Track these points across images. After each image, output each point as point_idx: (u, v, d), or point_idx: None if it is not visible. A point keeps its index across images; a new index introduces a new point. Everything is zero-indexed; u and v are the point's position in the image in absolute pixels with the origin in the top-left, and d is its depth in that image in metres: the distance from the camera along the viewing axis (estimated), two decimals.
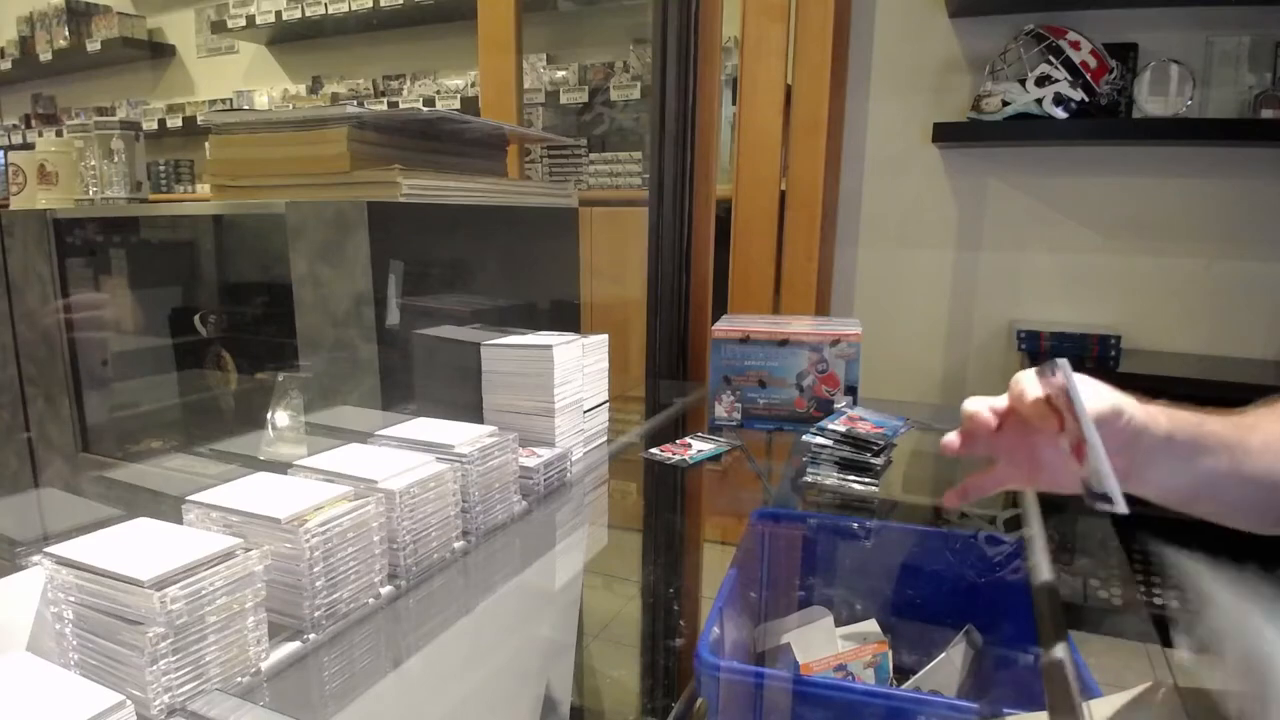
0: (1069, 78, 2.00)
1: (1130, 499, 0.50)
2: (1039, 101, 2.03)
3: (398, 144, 1.16)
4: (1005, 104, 2.07)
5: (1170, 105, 2.05)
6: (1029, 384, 0.56)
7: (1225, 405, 0.59)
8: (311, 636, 0.68)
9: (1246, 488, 0.55)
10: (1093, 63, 2.01)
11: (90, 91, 4.30)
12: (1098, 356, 2.14)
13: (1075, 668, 0.49)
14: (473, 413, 1.09)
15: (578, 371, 1.11)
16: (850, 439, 1.13)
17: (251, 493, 0.72)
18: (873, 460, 1.12)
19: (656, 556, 1.18)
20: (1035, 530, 0.62)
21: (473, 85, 3.19)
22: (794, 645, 1.09)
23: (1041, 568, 0.58)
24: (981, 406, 0.59)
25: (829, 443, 1.14)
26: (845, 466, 1.12)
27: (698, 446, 1.26)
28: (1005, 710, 0.63)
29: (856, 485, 1.10)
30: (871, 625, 0.99)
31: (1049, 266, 2.32)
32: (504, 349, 1.08)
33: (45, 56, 4.06)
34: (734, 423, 1.38)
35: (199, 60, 4.04)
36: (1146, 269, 2.23)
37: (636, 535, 1.19)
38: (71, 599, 0.59)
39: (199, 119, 3.45)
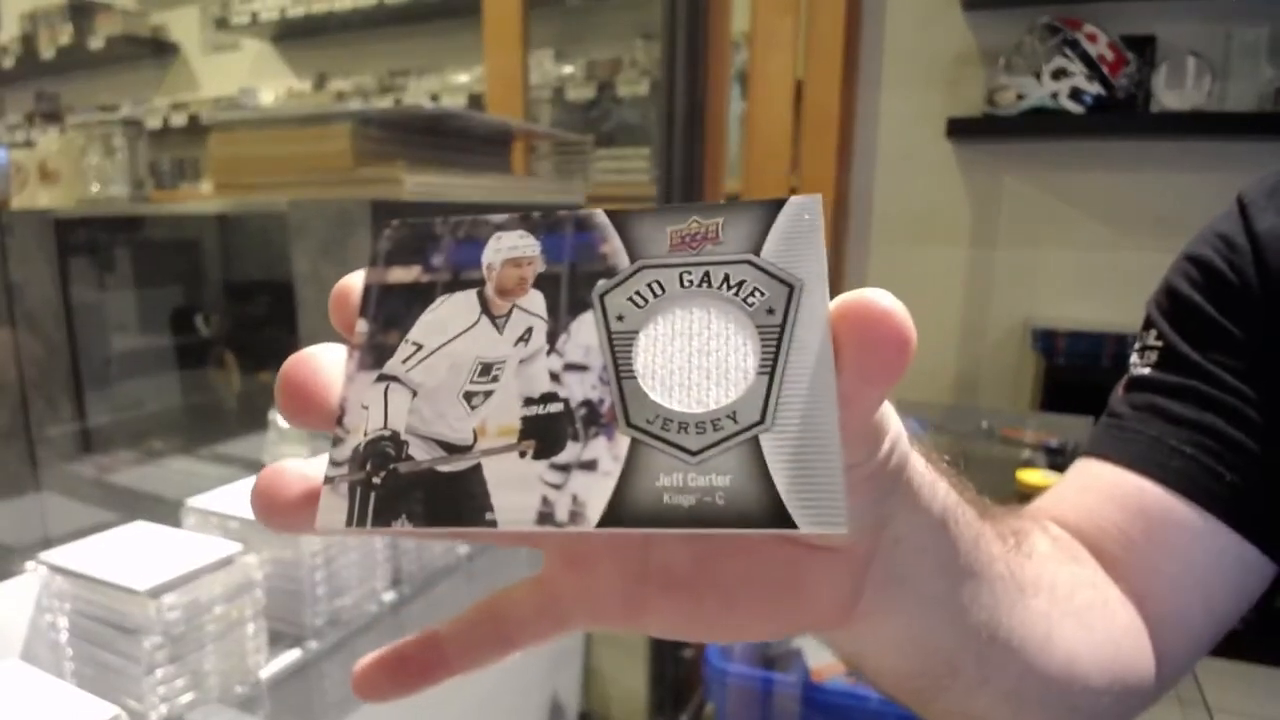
0: (1085, 71, 1.97)
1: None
2: (1055, 95, 2.00)
3: (402, 141, 1.14)
4: (1020, 98, 2.04)
5: (1188, 98, 2.02)
6: None
7: None
8: (313, 644, 0.67)
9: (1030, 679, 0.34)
10: (1110, 56, 1.98)
11: (93, 89, 4.30)
12: (1114, 356, 2.10)
13: None
14: None
15: None
16: None
17: None
18: None
19: None
20: None
21: (479, 81, 3.17)
22: (805, 650, 1.07)
23: None
24: None
25: None
26: None
27: None
28: None
29: None
30: None
31: (1065, 264, 2.28)
32: None
33: (48, 54, 4.05)
34: None
35: (203, 57, 4.03)
36: (1165, 266, 2.19)
37: None
38: (67, 606, 0.58)
39: (202, 117, 3.44)
